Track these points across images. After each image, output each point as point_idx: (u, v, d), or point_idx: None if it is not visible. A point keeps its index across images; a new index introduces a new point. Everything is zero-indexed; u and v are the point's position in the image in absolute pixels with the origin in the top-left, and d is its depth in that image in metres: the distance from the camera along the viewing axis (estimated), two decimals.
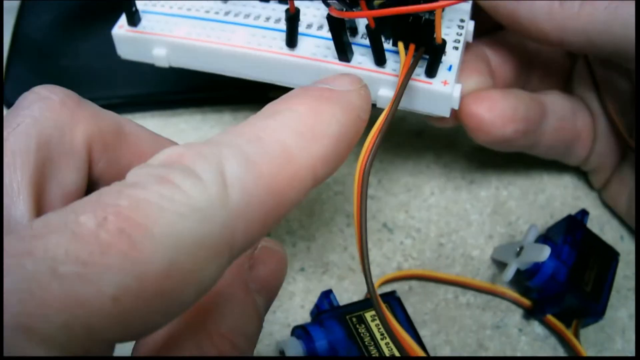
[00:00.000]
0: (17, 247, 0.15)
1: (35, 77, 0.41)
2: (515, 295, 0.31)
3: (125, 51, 0.31)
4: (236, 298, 0.20)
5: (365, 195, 0.20)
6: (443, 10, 0.26)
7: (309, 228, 0.34)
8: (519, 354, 0.30)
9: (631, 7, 0.27)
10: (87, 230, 0.15)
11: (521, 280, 0.29)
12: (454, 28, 0.28)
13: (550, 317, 0.30)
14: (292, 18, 0.27)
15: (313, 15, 0.29)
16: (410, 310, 0.30)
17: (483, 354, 0.30)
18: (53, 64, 0.40)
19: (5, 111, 0.42)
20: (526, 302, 0.31)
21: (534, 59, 0.34)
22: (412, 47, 0.25)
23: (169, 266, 0.15)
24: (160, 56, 0.30)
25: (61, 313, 0.14)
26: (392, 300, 0.30)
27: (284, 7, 0.29)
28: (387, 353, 0.28)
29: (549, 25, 0.28)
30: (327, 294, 0.30)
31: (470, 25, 0.28)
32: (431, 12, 0.24)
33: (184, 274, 0.16)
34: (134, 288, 0.15)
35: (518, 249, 0.29)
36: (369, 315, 0.29)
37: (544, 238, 0.30)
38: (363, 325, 0.28)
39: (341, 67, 0.27)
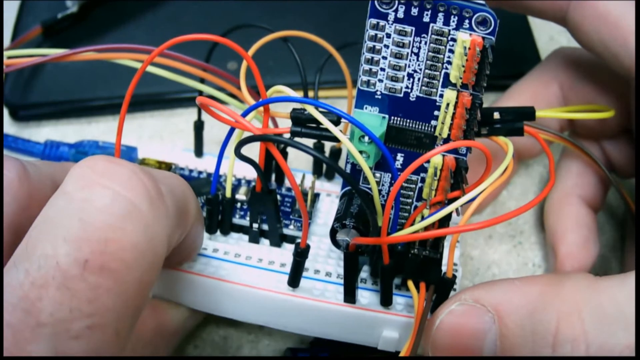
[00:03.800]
0: (20, 319, 0.15)
1: (35, 77, 0.41)
2: None
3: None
4: None
5: None
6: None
7: None
8: None
9: None
10: (75, 277, 0.16)
11: None
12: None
13: None
14: (302, 253, 0.25)
15: (308, 260, 0.27)
16: None
17: None
18: (53, 64, 0.40)
19: (5, 111, 0.42)
20: None
21: None
22: (422, 285, 0.25)
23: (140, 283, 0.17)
24: None
25: None
26: None
27: (279, 249, 0.28)
28: None
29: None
30: None
31: (460, 271, 0.28)
32: (434, 250, 0.24)
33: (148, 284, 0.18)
34: (123, 313, 0.17)
35: None
36: None
37: None
38: None
39: (345, 308, 0.26)
